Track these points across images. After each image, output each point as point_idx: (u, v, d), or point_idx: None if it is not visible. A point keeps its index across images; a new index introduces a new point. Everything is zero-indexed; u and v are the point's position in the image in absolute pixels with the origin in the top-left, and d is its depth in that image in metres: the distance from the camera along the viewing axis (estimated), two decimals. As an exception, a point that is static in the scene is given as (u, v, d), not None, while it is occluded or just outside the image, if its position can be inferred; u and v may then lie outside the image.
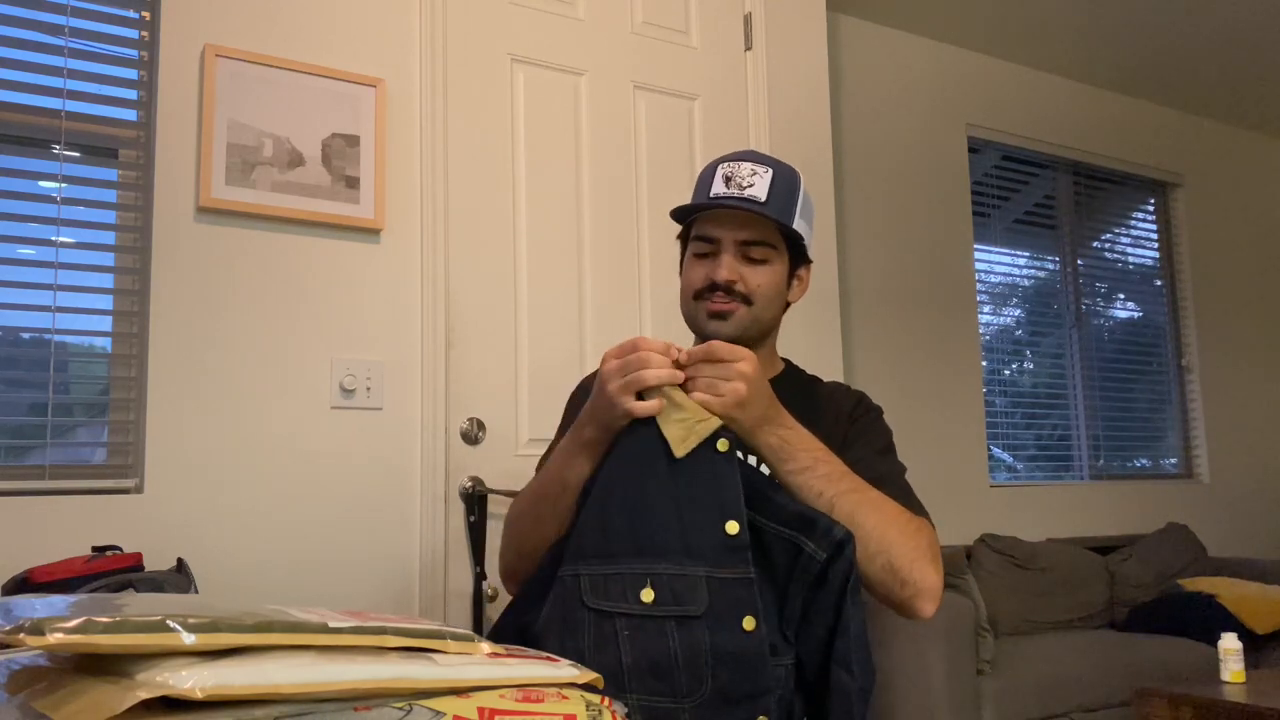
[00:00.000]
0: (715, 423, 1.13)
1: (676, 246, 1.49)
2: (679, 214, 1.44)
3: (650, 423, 1.15)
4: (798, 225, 1.37)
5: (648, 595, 1.09)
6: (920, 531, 1.23)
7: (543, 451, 1.51)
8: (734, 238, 1.37)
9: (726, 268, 1.36)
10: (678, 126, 2.72)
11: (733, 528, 1.10)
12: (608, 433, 1.19)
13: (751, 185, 1.35)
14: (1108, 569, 3.69)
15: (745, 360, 1.16)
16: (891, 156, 3.79)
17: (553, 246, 2.50)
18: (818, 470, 1.20)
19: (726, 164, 1.38)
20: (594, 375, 1.57)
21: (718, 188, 1.36)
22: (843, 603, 1.11)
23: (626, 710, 0.81)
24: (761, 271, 1.38)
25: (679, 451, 1.12)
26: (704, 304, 1.39)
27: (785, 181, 1.37)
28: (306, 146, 2.23)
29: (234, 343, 2.14)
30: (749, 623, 1.08)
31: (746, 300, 1.38)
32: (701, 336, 1.40)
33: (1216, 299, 4.68)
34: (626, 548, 1.12)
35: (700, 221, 1.40)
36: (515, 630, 1.20)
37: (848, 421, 1.41)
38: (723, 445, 1.13)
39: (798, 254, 1.43)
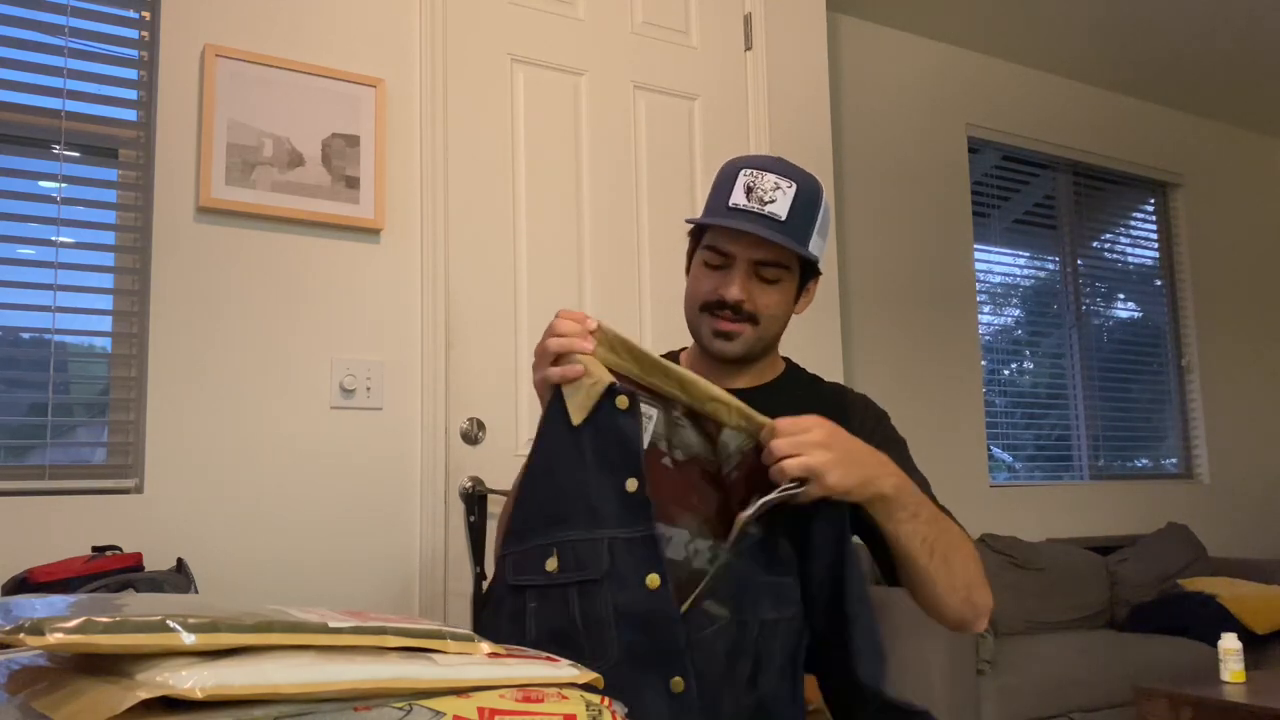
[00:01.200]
0: (606, 380, 1.11)
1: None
2: (699, 231, 1.41)
3: (559, 396, 1.13)
4: (814, 244, 1.33)
5: (551, 564, 1.09)
6: (976, 555, 1.24)
7: None
8: (748, 256, 1.32)
9: (738, 287, 1.32)
10: (678, 126, 2.72)
11: (631, 485, 1.08)
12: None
13: (773, 201, 1.30)
14: (1108, 569, 3.69)
15: (813, 428, 1.11)
16: (891, 156, 3.79)
17: (553, 246, 2.50)
18: (921, 515, 1.17)
19: (750, 171, 1.32)
20: None
21: (738, 197, 1.30)
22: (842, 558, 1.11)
23: (626, 710, 0.81)
24: (771, 291, 1.35)
25: (576, 418, 1.10)
26: (710, 319, 1.36)
27: (808, 197, 1.32)
28: (306, 146, 2.23)
29: (234, 343, 2.14)
30: (652, 580, 1.06)
31: (753, 320, 1.34)
32: (705, 351, 1.39)
33: (1216, 299, 4.68)
34: (540, 522, 1.12)
35: (715, 230, 1.35)
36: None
37: (873, 427, 1.38)
38: (622, 403, 1.11)
39: (808, 269, 1.40)
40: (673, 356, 1.52)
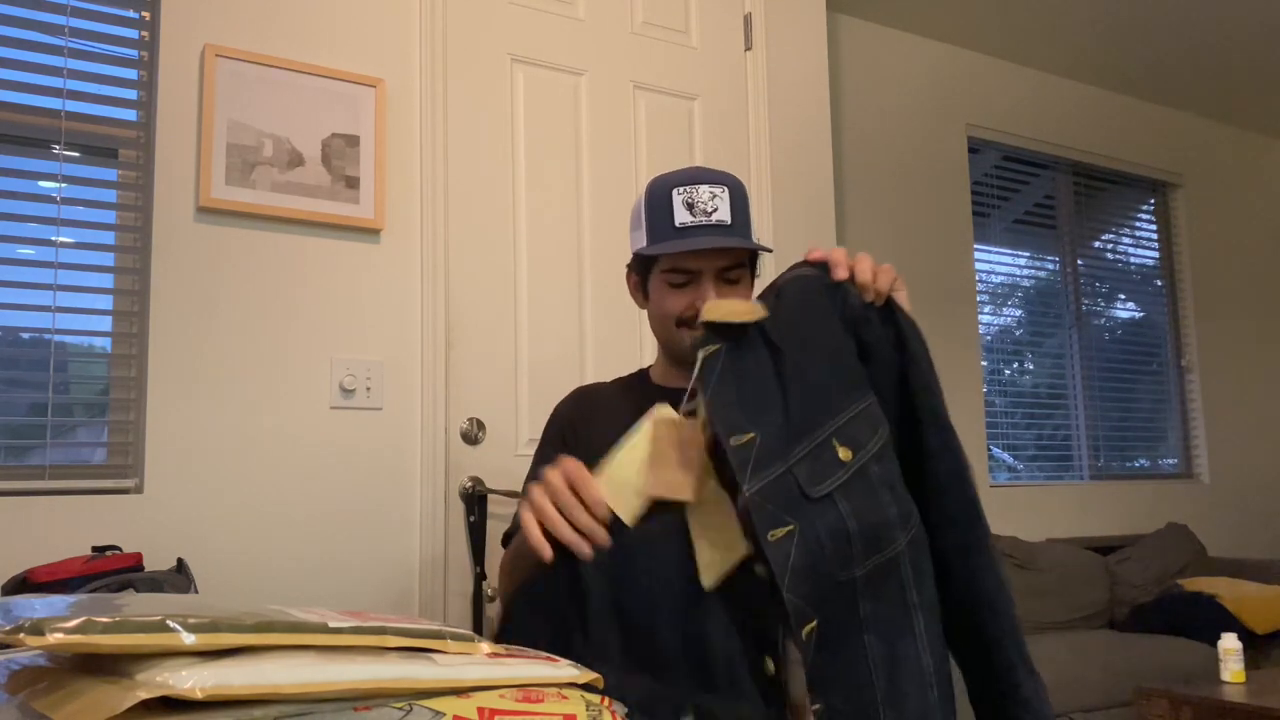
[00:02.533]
0: (743, 550, 1.02)
1: None
2: (646, 258, 1.41)
3: (674, 539, 1.04)
4: (755, 234, 1.41)
5: None
6: None
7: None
8: (713, 266, 1.38)
9: (715, 297, 1.38)
10: (678, 126, 2.72)
11: (770, 666, 1.04)
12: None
13: (716, 209, 1.36)
14: (1108, 569, 3.69)
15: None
16: (891, 156, 3.79)
17: (553, 246, 2.50)
18: None
19: (682, 189, 1.36)
20: (572, 398, 1.58)
21: (682, 216, 1.35)
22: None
23: (626, 710, 0.81)
24: (737, 291, 1.42)
25: (707, 581, 1.02)
26: (689, 331, 1.39)
27: (739, 194, 1.39)
28: (306, 146, 2.23)
29: (234, 343, 2.14)
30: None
31: None
32: (681, 362, 1.42)
33: (1216, 299, 4.68)
34: (669, 666, 1.02)
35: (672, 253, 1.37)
36: None
37: None
38: (760, 571, 1.02)
39: (753, 256, 1.48)
40: (641, 376, 1.58)
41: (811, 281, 1.12)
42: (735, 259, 1.40)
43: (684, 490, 1.02)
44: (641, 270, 1.46)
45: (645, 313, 1.52)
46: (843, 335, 1.09)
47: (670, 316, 1.42)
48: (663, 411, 1.09)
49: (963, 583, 1.08)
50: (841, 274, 1.11)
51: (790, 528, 1.00)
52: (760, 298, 1.13)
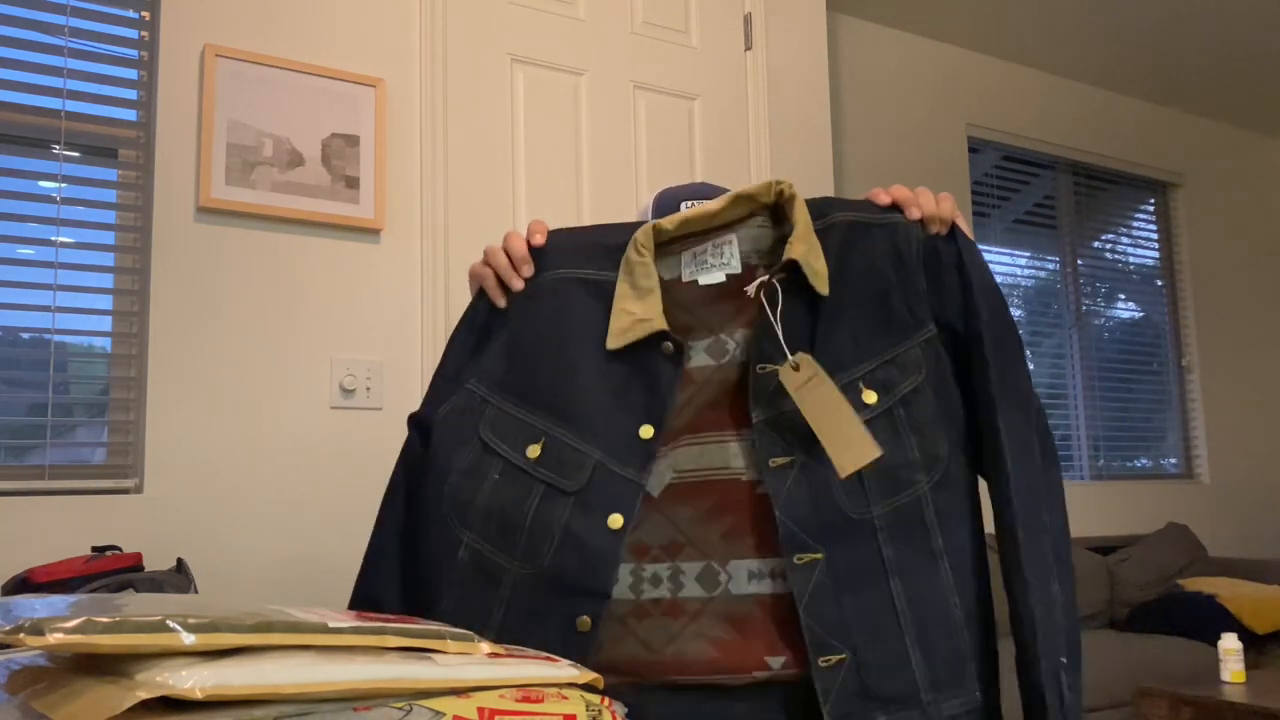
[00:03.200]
0: (659, 326, 1.06)
1: None
2: None
3: (602, 297, 1.10)
4: None
5: (534, 451, 1.07)
6: None
7: None
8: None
9: None
10: (678, 126, 2.72)
11: (646, 431, 1.05)
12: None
13: None
14: (1108, 569, 3.69)
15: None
16: (891, 157, 3.79)
17: (553, 246, 2.50)
18: None
19: (690, 203, 1.29)
20: None
21: None
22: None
23: (626, 710, 0.81)
24: None
25: (612, 343, 1.07)
26: None
27: None
28: (306, 146, 2.23)
29: (234, 342, 2.14)
30: (615, 520, 1.03)
31: None
32: None
33: (1216, 299, 4.69)
34: (538, 399, 1.09)
35: None
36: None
37: None
38: (668, 349, 1.06)
39: None
40: None
41: (859, 225, 1.12)
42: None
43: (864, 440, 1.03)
44: None
45: None
46: (894, 276, 1.09)
47: None
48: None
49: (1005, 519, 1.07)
50: (915, 214, 1.12)
51: (792, 458, 1.03)
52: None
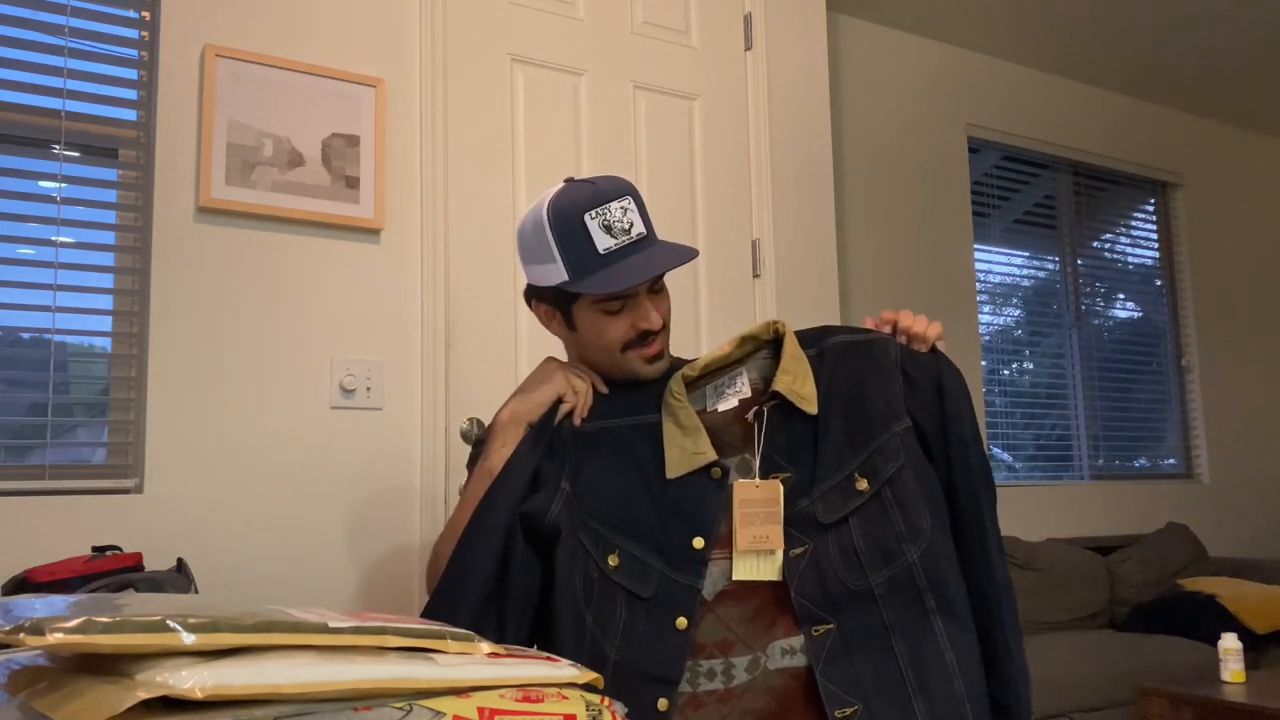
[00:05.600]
0: (711, 456, 1.27)
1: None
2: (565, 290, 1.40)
3: (654, 435, 1.31)
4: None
5: (614, 560, 1.25)
6: None
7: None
8: (646, 284, 1.36)
9: (655, 313, 1.38)
10: (678, 126, 2.72)
11: (699, 543, 1.25)
12: (522, 415, 1.36)
13: (632, 224, 1.33)
14: (1108, 569, 3.69)
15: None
16: (891, 156, 3.79)
17: (553, 246, 2.50)
18: None
19: (594, 212, 1.31)
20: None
21: (604, 241, 1.31)
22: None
23: (626, 710, 0.81)
24: (664, 299, 1.42)
25: (671, 473, 1.28)
26: (636, 351, 1.38)
27: (638, 195, 1.37)
28: (306, 146, 2.23)
29: (234, 342, 2.14)
30: (681, 623, 1.21)
31: (665, 329, 1.41)
32: (633, 379, 1.42)
33: (1216, 299, 4.68)
34: (610, 518, 1.28)
35: (602, 280, 1.35)
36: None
37: None
38: (716, 473, 1.28)
39: None
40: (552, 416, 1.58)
41: (848, 345, 1.36)
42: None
43: (773, 540, 1.25)
44: (559, 302, 1.40)
45: (558, 336, 1.50)
46: (874, 378, 1.31)
47: (616, 344, 1.37)
48: (742, 482, 1.30)
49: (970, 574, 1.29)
50: (886, 329, 1.39)
51: (806, 547, 1.23)
52: (812, 356, 1.36)
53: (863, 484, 1.24)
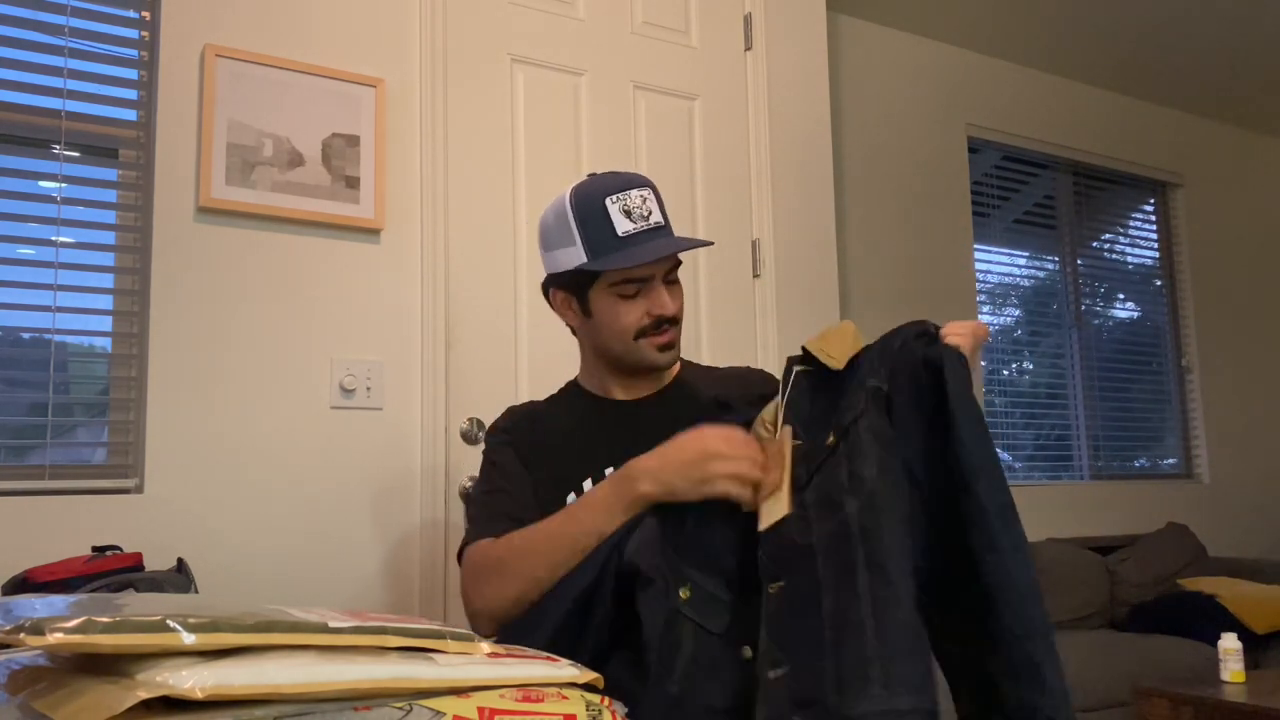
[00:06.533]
0: (785, 511, 1.21)
1: None
2: (583, 274, 1.39)
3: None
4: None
5: (685, 594, 1.20)
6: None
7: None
8: (662, 271, 1.40)
9: (672, 300, 1.40)
10: (678, 126, 2.72)
11: (774, 588, 1.17)
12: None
13: (650, 212, 1.37)
14: (1108, 569, 3.69)
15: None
16: (891, 156, 3.79)
17: (553, 246, 2.50)
18: None
19: (615, 196, 1.36)
20: (512, 419, 1.55)
21: (623, 225, 1.35)
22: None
23: (626, 710, 0.81)
24: (679, 290, 1.45)
25: (763, 524, 1.19)
26: (650, 339, 1.41)
27: (656, 190, 1.41)
28: (306, 146, 2.23)
29: (234, 343, 2.14)
30: (746, 652, 1.17)
31: (679, 320, 1.43)
32: (647, 368, 1.44)
33: (1216, 299, 4.68)
34: (690, 556, 1.23)
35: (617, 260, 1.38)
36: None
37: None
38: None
39: None
40: (575, 389, 1.57)
41: (890, 340, 1.27)
42: (677, 259, 1.43)
43: (782, 499, 1.21)
44: (576, 287, 1.43)
45: (575, 327, 1.51)
46: (886, 354, 1.23)
47: (630, 330, 1.41)
48: (764, 416, 1.26)
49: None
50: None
51: (786, 514, 1.18)
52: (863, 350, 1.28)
53: (831, 439, 1.19)
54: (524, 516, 1.38)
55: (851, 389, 1.21)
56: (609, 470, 1.40)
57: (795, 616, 1.11)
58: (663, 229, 1.38)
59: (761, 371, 1.62)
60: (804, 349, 1.26)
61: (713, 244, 1.43)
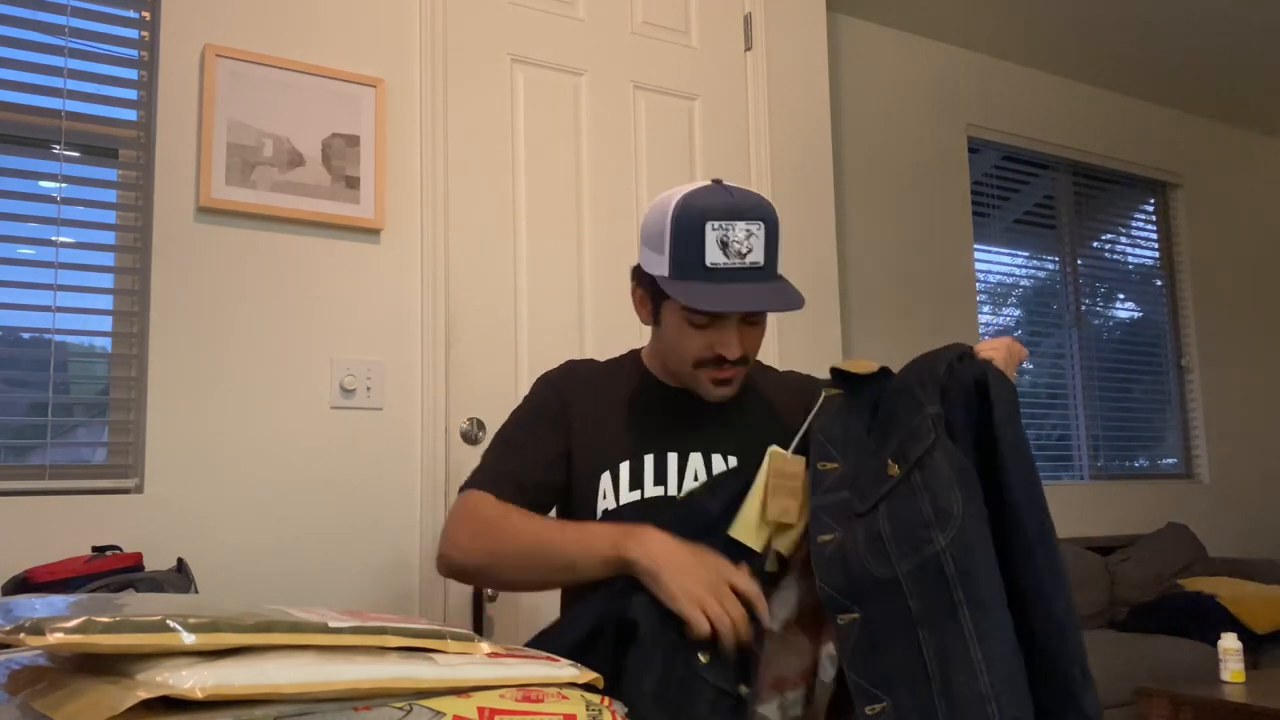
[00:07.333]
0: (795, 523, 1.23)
1: None
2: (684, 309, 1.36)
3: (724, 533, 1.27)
4: (781, 269, 1.37)
5: (704, 658, 1.19)
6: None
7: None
8: (740, 313, 1.34)
9: (739, 345, 1.34)
10: (678, 126, 2.72)
11: (845, 619, 1.17)
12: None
13: (750, 250, 1.29)
14: (1108, 569, 3.69)
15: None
16: (891, 156, 3.79)
17: (553, 246, 2.50)
18: None
19: (717, 224, 1.27)
20: (562, 372, 1.54)
21: (714, 255, 1.28)
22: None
23: (626, 710, 0.81)
24: (757, 332, 1.39)
25: (765, 623, 1.22)
26: (709, 371, 1.37)
27: (773, 228, 1.31)
28: (306, 146, 2.23)
29: (234, 343, 2.14)
30: (742, 690, 1.18)
31: (746, 361, 1.38)
32: (699, 396, 1.42)
33: (1216, 299, 4.68)
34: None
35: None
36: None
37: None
38: (771, 566, 1.24)
39: None
40: (634, 359, 1.56)
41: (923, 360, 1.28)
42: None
43: (791, 515, 1.22)
44: (654, 292, 1.38)
45: (645, 324, 1.49)
46: (932, 379, 1.23)
47: (690, 358, 1.37)
48: (775, 450, 1.26)
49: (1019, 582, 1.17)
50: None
51: (834, 535, 1.18)
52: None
53: (894, 469, 1.18)
54: (527, 482, 1.39)
55: (902, 411, 1.22)
56: (648, 458, 1.40)
57: (883, 651, 1.12)
58: (759, 270, 1.29)
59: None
60: (833, 370, 1.26)
61: (802, 304, 1.31)
